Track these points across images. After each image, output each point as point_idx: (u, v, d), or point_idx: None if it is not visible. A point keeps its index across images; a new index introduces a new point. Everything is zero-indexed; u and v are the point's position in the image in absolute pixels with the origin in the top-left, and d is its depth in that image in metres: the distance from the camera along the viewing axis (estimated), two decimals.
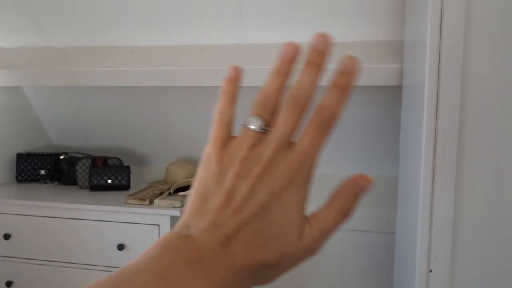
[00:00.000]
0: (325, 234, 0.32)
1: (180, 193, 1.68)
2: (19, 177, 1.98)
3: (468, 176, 0.99)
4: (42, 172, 2.00)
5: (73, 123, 2.10)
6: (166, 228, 1.59)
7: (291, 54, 0.33)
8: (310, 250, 0.32)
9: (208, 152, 0.33)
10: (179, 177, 1.88)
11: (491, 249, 1.01)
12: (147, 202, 1.63)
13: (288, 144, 0.32)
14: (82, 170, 1.91)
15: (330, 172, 2.04)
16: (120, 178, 1.86)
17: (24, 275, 1.71)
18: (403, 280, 1.27)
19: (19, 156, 1.99)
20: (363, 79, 1.55)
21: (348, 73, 0.32)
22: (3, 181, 1.97)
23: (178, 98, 1.84)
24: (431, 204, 1.00)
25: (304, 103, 0.32)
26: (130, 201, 1.64)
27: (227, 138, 0.33)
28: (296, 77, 0.33)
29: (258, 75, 1.56)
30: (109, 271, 1.64)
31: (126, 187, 1.86)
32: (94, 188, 1.84)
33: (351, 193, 0.32)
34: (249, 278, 0.30)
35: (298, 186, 0.31)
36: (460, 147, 0.98)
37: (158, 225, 1.60)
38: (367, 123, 1.72)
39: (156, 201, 1.63)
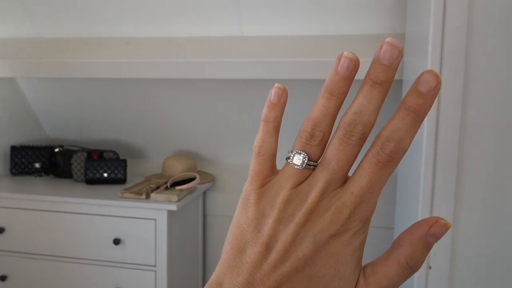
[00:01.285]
0: None
1: (177, 187, 1.67)
2: (13, 170, 1.96)
3: (469, 172, 0.97)
4: (37, 165, 1.98)
5: (68, 115, 2.07)
6: (162, 223, 1.58)
7: (347, 70, 0.26)
8: None
9: (246, 191, 0.29)
10: (176, 171, 1.87)
11: (491, 246, 1.00)
12: (144, 196, 1.61)
13: (339, 182, 0.26)
14: (77, 163, 1.89)
15: None
16: (116, 171, 1.84)
17: (19, 269, 1.70)
18: None
19: (13, 148, 1.96)
20: (363, 73, 1.53)
21: (425, 93, 0.24)
22: None
23: (176, 91, 1.82)
24: (431, 200, 0.99)
25: (362, 132, 0.26)
26: (126, 195, 1.62)
27: (267, 174, 0.28)
28: (355, 98, 0.26)
29: (256, 68, 1.55)
30: (105, 265, 1.63)
31: (122, 180, 1.84)
32: (90, 181, 1.82)
33: (420, 243, 0.26)
34: None
35: (351, 234, 0.26)
36: (461, 143, 0.96)
37: (155, 219, 1.58)
38: None
39: (152, 195, 1.61)
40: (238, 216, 0.29)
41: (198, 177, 1.75)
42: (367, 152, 0.26)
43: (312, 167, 0.27)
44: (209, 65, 1.54)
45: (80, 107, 2.01)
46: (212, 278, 0.28)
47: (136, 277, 1.61)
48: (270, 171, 0.28)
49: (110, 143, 2.11)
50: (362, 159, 0.26)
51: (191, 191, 1.75)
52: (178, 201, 1.59)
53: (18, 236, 1.68)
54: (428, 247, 0.26)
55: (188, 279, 1.87)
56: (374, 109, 0.26)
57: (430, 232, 0.26)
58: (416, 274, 1.02)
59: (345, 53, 0.26)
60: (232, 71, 1.53)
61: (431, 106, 0.25)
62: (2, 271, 1.70)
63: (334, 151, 0.26)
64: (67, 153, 1.94)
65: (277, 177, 0.28)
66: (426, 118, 0.97)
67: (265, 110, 0.29)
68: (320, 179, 0.26)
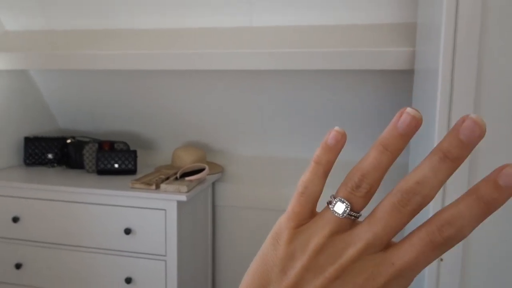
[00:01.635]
0: None
1: (187, 178, 1.68)
2: (27, 161, 1.99)
3: (482, 164, 0.96)
4: (50, 155, 2.01)
5: (80, 107, 2.09)
6: (172, 213, 1.59)
7: (408, 128, 0.24)
8: None
9: (280, 226, 0.28)
10: (185, 161, 1.87)
11: (504, 239, 0.98)
12: (154, 186, 1.62)
13: (380, 247, 0.25)
14: (89, 154, 1.91)
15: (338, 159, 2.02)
16: (126, 162, 1.85)
17: (32, 258, 1.73)
18: None
19: (27, 139, 1.99)
20: (373, 63, 1.51)
21: (504, 187, 0.22)
22: (11, 164, 1.98)
23: (185, 82, 1.82)
24: (443, 192, 0.97)
25: (418, 204, 0.24)
26: (137, 185, 1.64)
27: (306, 216, 0.27)
28: (421, 166, 0.24)
29: (265, 59, 1.54)
30: (116, 255, 1.65)
31: (133, 171, 1.86)
32: (101, 172, 1.84)
33: None
34: None
35: None
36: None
37: (165, 209, 1.60)
38: (377, 109, 1.68)
39: (162, 185, 1.62)
40: (266, 251, 0.27)
41: (207, 168, 1.75)
42: (421, 227, 0.24)
43: (353, 217, 0.26)
44: (219, 56, 1.53)
45: (91, 99, 2.03)
46: None
47: (146, 267, 1.63)
48: (309, 213, 0.27)
49: (121, 134, 2.13)
50: (413, 232, 0.24)
51: (200, 182, 1.76)
52: (188, 191, 1.60)
53: (32, 225, 1.72)
54: None
55: (198, 268, 1.89)
56: (438, 184, 0.24)
57: None
58: (427, 267, 1.02)
59: (408, 109, 0.24)
60: (242, 62, 1.52)
61: (504, 203, 0.22)
62: (18, 259, 1.74)
63: (383, 215, 0.24)
64: (79, 144, 1.96)
65: (314, 220, 0.27)
66: (438, 108, 0.95)
67: (319, 151, 0.27)
68: (362, 238, 0.25)
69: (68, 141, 2.01)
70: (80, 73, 1.91)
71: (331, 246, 0.25)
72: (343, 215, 0.25)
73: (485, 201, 0.22)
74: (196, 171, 1.76)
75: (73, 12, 1.72)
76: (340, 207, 0.25)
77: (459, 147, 0.23)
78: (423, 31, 1.26)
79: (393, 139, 0.25)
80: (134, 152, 1.88)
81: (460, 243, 0.87)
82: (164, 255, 1.62)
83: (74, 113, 2.14)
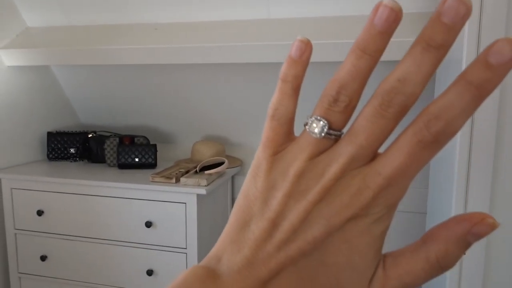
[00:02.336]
0: None
1: (206, 172, 1.69)
2: (50, 155, 2.03)
3: (507, 154, 0.93)
4: (72, 150, 2.05)
5: (101, 102, 2.12)
6: (192, 206, 1.60)
7: (386, 22, 0.21)
8: None
9: (257, 158, 0.25)
10: (205, 155, 1.89)
11: None
12: (174, 180, 1.64)
13: (365, 160, 0.22)
14: (110, 148, 1.94)
15: None
16: (147, 156, 1.88)
17: (57, 250, 1.77)
18: None
19: (50, 134, 2.03)
20: (392, 55, 1.48)
21: (496, 66, 0.19)
22: (35, 159, 2.03)
23: (204, 76, 1.83)
24: (467, 184, 0.95)
25: (403, 105, 0.21)
26: (157, 179, 1.65)
27: (282, 141, 0.25)
28: (402, 61, 0.21)
29: (284, 51, 1.52)
30: (137, 247, 1.68)
31: (153, 165, 1.88)
32: (122, 166, 1.87)
33: (458, 242, 0.22)
34: None
35: (371, 220, 0.22)
36: (499, 124, 0.92)
37: (185, 203, 1.61)
38: None
39: (182, 179, 1.63)
40: (247, 186, 0.25)
41: (226, 161, 1.76)
42: (407, 128, 0.21)
43: (333, 136, 0.23)
44: (238, 49, 1.53)
45: (111, 94, 2.06)
46: (212, 251, 0.26)
47: (167, 259, 1.66)
48: (285, 137, 0.25)
49: (141, 129, 2.15)
50: (399, 136, 0.22)
51: (219, 175, 1.76)
52: (207, 185, 1.61)
53: (56, 218, 1.76)
54: (466, 246, 0.22)
55: None
56: (423, 79, 0.20)
57: (473, 231, 0.21)
58: (449, 270, 1.00)
59: (385, 1, 0.20)
60: (260, 54, 1.51)
61: (499, 84, 0.19)
62: (43, 252, 1.79)
63: (364, 123, 0.22)
64: (100, 139, 2.00)
65: (291, 145, 0.24)
66: None
67: (284, 67, 0.24)
68: (343, 153, 0.22)
69: (90, 135, 2.05)
70: (100, 68, 1.94)
71: (312, 168, 0.23)
72: (320, 135, 0.23)
73: (476, 85, 0.19)
74: (215, 164, 1.77)
75: (92, 7, 1.74)
76: (317, 126, 0.23)
77: (443, 31, 0.20)
78: None
79: (371, 39, 0.21)
80: (154, 146, 1.90)
81: (483, 248, 0.85)
82: (185, 248, 1.63)
83: (95, 108, 2.17)
